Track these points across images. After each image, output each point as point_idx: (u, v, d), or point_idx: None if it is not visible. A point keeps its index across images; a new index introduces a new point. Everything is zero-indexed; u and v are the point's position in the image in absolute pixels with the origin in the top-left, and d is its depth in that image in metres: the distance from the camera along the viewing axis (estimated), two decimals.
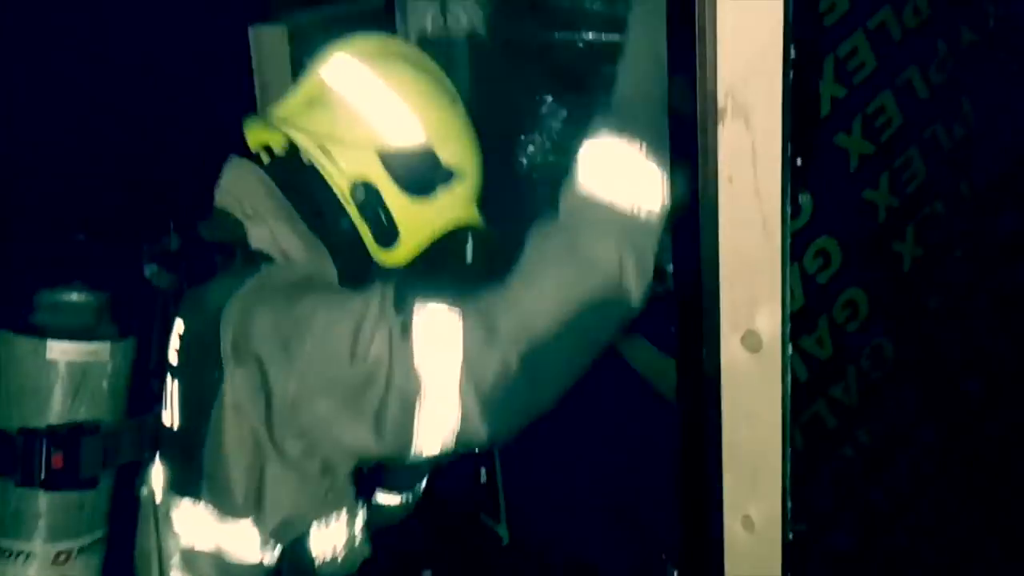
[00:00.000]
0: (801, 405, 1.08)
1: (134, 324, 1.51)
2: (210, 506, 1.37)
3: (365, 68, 1.44)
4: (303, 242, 1.41)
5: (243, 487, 1.34)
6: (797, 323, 1.04)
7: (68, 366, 1.44)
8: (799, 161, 0.97)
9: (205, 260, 1.47)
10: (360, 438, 1.28)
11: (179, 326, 1.41)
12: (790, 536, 1.12)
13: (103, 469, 1.47)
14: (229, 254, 1.43)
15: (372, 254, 1.42)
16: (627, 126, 1.21)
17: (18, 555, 1.46)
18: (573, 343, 1.24)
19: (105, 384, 1.47)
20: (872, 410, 1.15)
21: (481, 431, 1.26)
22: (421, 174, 1.40)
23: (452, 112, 1.46)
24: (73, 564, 1.49)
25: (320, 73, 1.45)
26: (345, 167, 1.39)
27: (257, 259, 1.40)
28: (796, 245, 1.01)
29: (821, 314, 1.07)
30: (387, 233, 1.41)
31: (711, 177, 1.07)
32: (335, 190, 1.39)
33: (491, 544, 2.51)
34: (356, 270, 1.42)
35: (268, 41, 2.07)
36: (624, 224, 1.21)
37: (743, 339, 1.10)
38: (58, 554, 1.47)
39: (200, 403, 1.35)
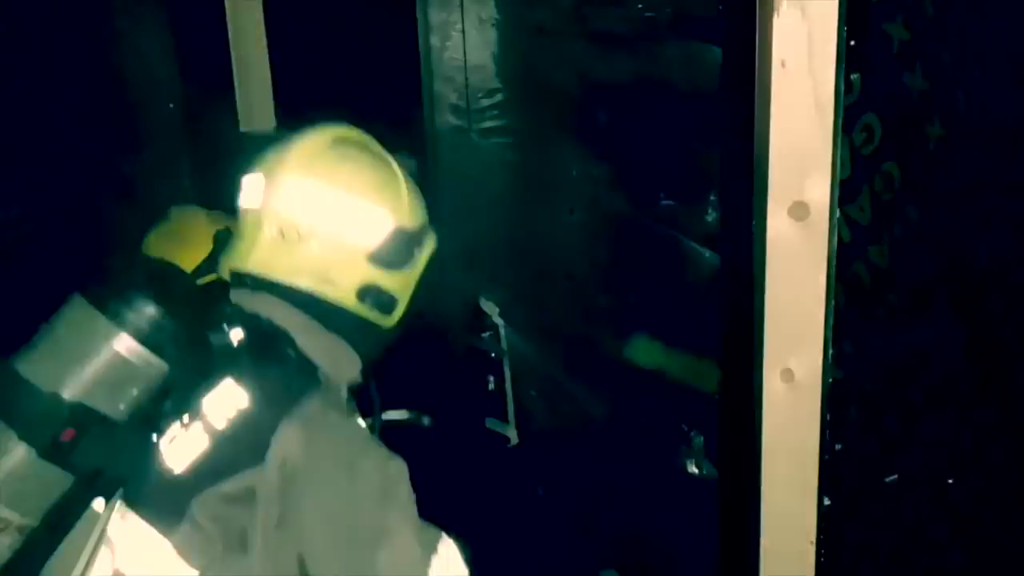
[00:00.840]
0: (844, 264, 1.22)
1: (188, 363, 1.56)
2: (174, 547, 1.45)
3: (316, 185, 1.53)
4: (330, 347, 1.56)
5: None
6: (844, 191, 1.17)
7: (124, 362, 1.51)
8: (852, 43, 1.09)
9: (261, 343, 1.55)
10: None
11: (241, 398, 1.48)
12: (830, 381, 1.27)
13: (95, 464, 1.51)
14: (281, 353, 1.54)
15: (376, 323, 1.57)
16: None
17: None
18: None
19: (137, 392, 1.53)
20: (900, 272, 1.30)
21: None
22: (402, 251, 1.55)
23: (397, 182, 1.58)
24: (7, 534, 1.50)
25: (278, 209, 1.52)
26: (348, 285, 1.52)
27: (308, 367, 1.52)
28: (846, 120, 1.14)
29: (863, 184, 1.21)
30: (388, 304, 1.57)
31: (765, 63, 1.19)
32: (345, 305, 1.53)
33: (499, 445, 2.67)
34: (365, 348, 1.58)
35: None
36: None
37: (790, 210, 1.24)
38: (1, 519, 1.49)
39: (217, 472, 1.43)
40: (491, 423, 2.70)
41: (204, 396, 1.49)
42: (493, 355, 2.59)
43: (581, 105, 2.04)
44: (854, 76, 1.13)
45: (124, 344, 1.49)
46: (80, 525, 1.52)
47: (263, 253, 1.54)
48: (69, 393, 1.47)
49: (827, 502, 1.34)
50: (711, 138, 1.47)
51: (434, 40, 2.51)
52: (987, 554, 1.57)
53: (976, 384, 1.46)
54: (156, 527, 1.46)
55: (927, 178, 1.29)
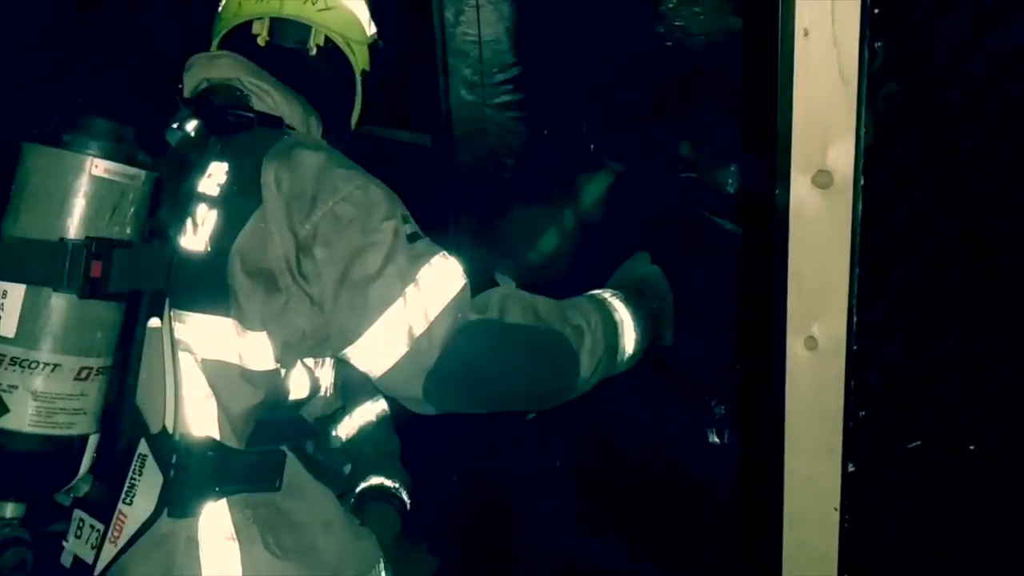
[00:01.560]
0: (866, 232, 1.23)
1: (160, 160, 1.62)
2: (234, 321, 1.59)
3: None
4: (302, 114, 1.75)
5: (259, 308, 1.58)
6: (868, 159, 1.18)
7: (109, 185, 1.54)
8: (876, 11, 1.10)
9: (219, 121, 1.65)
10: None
11: (218, 166, 1.61)
12: (854, 348, 1.28)
13: (130, 287, 1.58)
14: (243, 119, 1.66)
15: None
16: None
17: (44, 366, 1.51)
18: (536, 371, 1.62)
19: (134, 209, 1.58)
20: (920, 240, 1.31)
21: (423, 371, 1.53)
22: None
23: None
24: (93, 382, 1.56)
25: None
26: (360, 60, 1.66)
27: (275, 123, 1.60)
28: (869, 88, 1.15)
29: (886, 151, 1.21)
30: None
31: (788, 31, 1.20)
32: (356, 75, 1.65)
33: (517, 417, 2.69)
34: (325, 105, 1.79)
35: None
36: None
37: (813, 179, 1.25)
38: (82, 369, 1.54)
39: (231, 228, 1.56)
40: None
41: (195, 183, 1.60)
42: None
43: (598, 78, 2.05)
44: (878, 44, 1.13)
45: (99, 167, 1.53)
46: (150, 346, 1.61)
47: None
48: (74, 233, 1.51)
49: (851, 468, 1.35)
50: (733, 109, 1.48)
51: (448, 14, 2.51)
52: (1008, 518, 1.59)
53: (996, 351, 1.47)
54: (212, 313, 1.59)
55: (950, 145, 1.30)
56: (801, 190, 1.26)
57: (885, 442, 1.38)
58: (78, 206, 1.52)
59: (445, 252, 1.59)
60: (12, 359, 1.50)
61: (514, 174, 2.48)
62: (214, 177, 1.60)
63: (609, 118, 2.09)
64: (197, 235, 1.59)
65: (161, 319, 1.61)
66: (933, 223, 1.33)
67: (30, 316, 1.50)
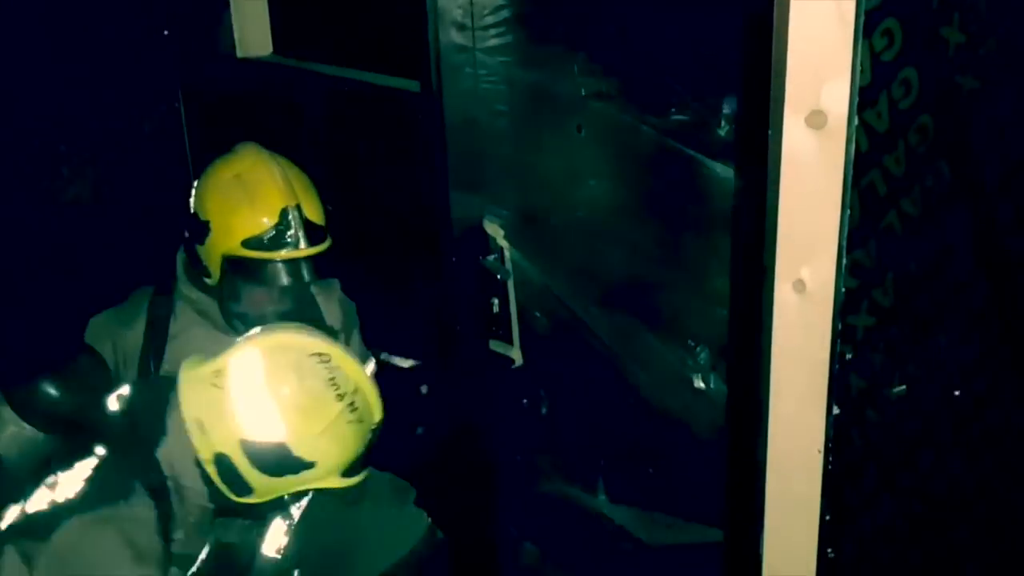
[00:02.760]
0: (860, 173, 1.22)
1: None
2: None
3: (260, 371, 1.81)
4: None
5: None
6: (863, 98, 1.17)
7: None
8: None
9: None
10: None
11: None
12: (843, 291, 1.28)
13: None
14: None
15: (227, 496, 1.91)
16: None
17: None
18: None
19: None
20: (914, 180, 1.30)
21: None
22: (274, 461, 1.79)
23: (319, 420, 1.82)
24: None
25: (229, 361, 1.84)
26: (213, 442, 1.80)
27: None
28: (866, 25, 1.13)
29: (882, 90, 1.20)
30: (243, 489, 1.86)
31: None
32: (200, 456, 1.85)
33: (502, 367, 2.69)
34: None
35: None
36: None
37: (807, 119, 1.23)
38: None
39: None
40: (495, 345, 2.71)
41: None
42: (498, 277, 2.60)
43: (589, 18, 2.02)
44: None
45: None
46: None
47: (201, 372, 1.89)
48: None
49: (836, 411, 1.35)
50: (725, 47, 1.46)
51: None
52: (990, 462, 1.60)
53: (986, 296, 1.47)
54: None
55: (946, 84, 1.28)
56: (794, 130, 1.25)
57: (871, 386, 1.38)
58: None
59: None
60: None
61: (505, 120, 2.45)
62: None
63: (601, 62, 2.06)
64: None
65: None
66: (927, 166, 1.31)
67: None
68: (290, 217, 2.27)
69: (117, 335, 2.42)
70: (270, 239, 2.25)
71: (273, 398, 1.76)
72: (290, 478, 1.82)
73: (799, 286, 1.34)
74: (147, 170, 3.56)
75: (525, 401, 2.66)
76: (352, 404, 1.86)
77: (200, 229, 2.30)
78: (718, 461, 1.65)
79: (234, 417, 1.74)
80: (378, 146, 2.92)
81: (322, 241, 2.34)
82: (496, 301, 2.67)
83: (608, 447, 2.36)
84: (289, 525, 2.61)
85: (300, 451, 1.78)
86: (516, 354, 2.68)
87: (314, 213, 2.34)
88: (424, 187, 2.64)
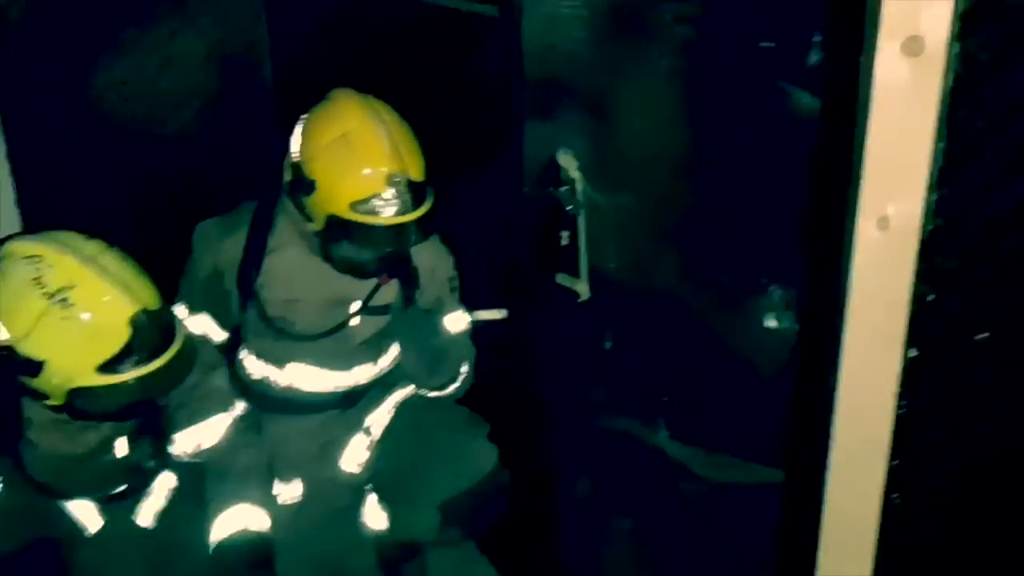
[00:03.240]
0: (956, 106, 1.16)
1: None
2: None
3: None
4: None
5: None
6: (963, 24, 1.11)
7: None
8: None
9: None
10: None
11: None
12: (929, 229, 1.23)
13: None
14: None
15: None
16: None
17: None
18: None
19: None
20: (1011, 121, 1.24)
21: None
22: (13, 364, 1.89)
23: (23, 317, 1.91)
24: None
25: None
26: None
27: None
28: None
29: (986, 16, 1.13)
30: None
31: None
32: None
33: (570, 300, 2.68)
34: None
35: None
36: None
37: (903, 45, 1.18)
38: None
39: None
40: (561, 278, 2.70)
41: None
42: (569, 208, 2.57)
43: None
44: None
45: None
46: None
47: None
48: None
49: (913, 353, 1.31)
50: None
51: None
52: None
53: None
54: None
55: None
56: (888, 57, 1.19)
57: (951, 329, 1.34)
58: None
59: None
60: None
61: (584, 47, 2.40)
62: None
63: None
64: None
65: None
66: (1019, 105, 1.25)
67: None
68: (397, 181, 2.30)
69: (220, 242, 2.53)
70: (377, 205, 2.30)
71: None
72: (39, 379, 1.90)
73: (883, 223, 1.30)
74: (235, 97, 3.62)
75: (589, 335, 2.65)
76: (64, 300, 1.91)
77: (305, 184, 2.36)
78: (783, 401, 1.62)
79: None
80: (454, 71, 2.89)
81: (424, 201, 2.39)
82: (565, 234, 2.65)
83: (671, 384, 2.34)
84: (370, 442, 2.67)
85: (24, 351, 1.89)
86: (583, 288, 2.66)
87: (417, 172, 2.38)
88: (499, 115, 2.62)
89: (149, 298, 2.01)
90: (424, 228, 2.40)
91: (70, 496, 2.10)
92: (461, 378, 2.68)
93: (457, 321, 2.70)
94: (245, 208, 2.56)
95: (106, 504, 2.15)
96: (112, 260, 2.02)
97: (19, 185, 2.88)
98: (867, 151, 1.27)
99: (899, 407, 1.36)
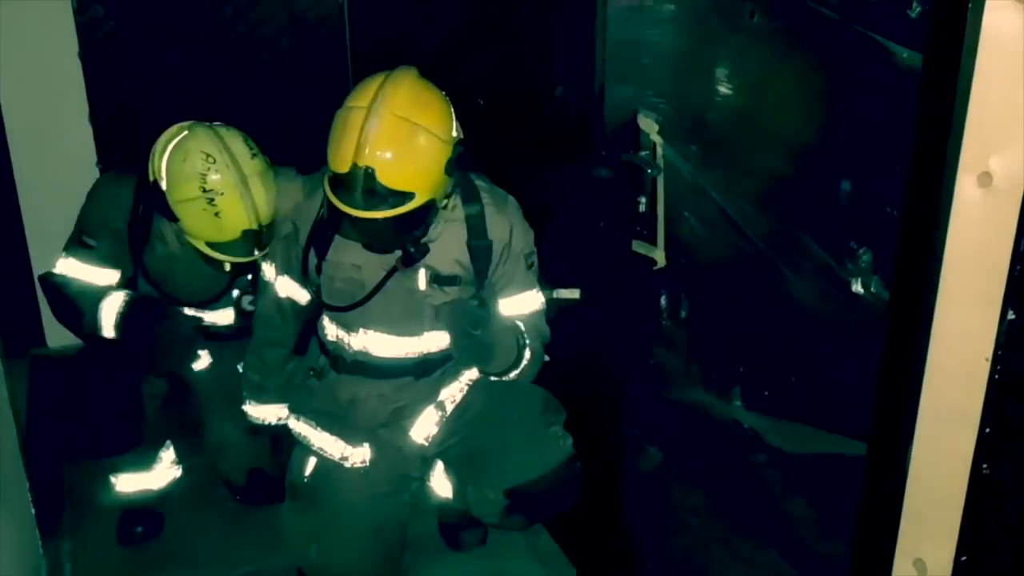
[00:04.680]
0: None
1: None
2: None
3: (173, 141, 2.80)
4: None
5: None
6: None
7: None
8: None
9: None
10: None
11: None
12: None
13: None
14: None
15: None
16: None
17: None
18: None
19: None
20: None
21: None
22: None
23: (179, 192, 2.74)
24: None
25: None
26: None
27: None
28: None
29: None
30: None
31: None
32: None
33: (644, 268, 2.64)
34: None
35: None
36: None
37: None
38: None
39: None
40: (638, 246, 2.66)
41: None
42: (648, 172, 2.53)
43: None
44: None
45: None
46: None
47: None
48: None
49: (1012, 316, 1.26)
50: None
51: None
52: None
53: None
54: None
55: None
56: (997, 5, 1.14)
57: None
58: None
59: None
60: None
61: (670, 5, 2.35)
62: None
63: None
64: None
65: None
66: None
67: None
68: (355, 175, 2.24)
69: (302, 200, 2.64)
70: (339, 188, 2.29)
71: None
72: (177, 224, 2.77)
73: (984, 179, 1.25)
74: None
75: (664, 303, 2.61)
76: (211, 199, 2.66)
77: None
78: (867, 370, 1.57)
79: None
80: (533, 30, 2.86)
81: (391, 208, 2.27)
82: (643, 200, 2.61)
83: (749, 353, 2.29)
84: (441, 416, 2.69)
85: (171, 205, 2.71)
86: (659, 255, 2.62)
87: (395, 178, 2.26)
88: (579, 76, 2.58)
89: (265, 216, 2.71)
90: (400, 228, 2.36)
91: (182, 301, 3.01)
92: (524, 363, 2.63)
93: (529, 301, 2.68)
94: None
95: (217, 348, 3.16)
96: (258, 183, 2.70)
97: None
98: (970, 104, 1.22)
99: (994, 372, 1.30)
